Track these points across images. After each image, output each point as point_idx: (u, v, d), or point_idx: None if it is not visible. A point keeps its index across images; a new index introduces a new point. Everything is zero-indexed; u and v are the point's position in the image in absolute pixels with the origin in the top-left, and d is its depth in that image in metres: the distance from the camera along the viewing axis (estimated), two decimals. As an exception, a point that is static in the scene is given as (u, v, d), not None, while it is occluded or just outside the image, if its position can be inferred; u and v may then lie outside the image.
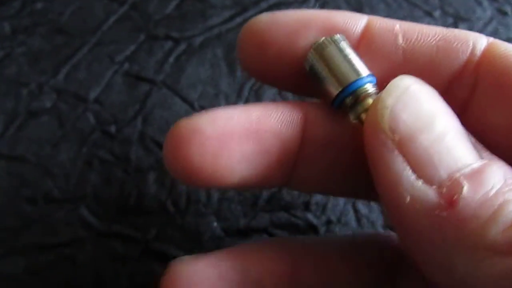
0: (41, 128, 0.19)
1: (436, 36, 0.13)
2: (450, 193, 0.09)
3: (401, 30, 0.13)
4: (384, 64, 0.13)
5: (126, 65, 0.21)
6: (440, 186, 0.10)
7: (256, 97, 0.20)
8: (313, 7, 0.22)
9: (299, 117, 0.13)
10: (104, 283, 0.17)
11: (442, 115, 0.11)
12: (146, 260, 0.17)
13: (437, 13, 0.22)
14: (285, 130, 0.12)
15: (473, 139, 0.11)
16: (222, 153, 0.12)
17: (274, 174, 0.13)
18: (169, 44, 0.21)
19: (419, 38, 0.13)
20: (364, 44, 0.13)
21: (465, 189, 0.09)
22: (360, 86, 0.12)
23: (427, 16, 0.22)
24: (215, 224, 0.18)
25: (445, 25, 0.22)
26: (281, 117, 0.12)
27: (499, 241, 0.09)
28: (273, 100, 0.20)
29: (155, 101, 0.20)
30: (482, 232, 0.09)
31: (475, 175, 0.10)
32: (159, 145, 0.19)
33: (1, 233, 0.18)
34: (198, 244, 0.17)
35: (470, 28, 0.22)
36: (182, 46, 0.21)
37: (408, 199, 0.10)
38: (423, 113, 0.10)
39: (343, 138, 0.13)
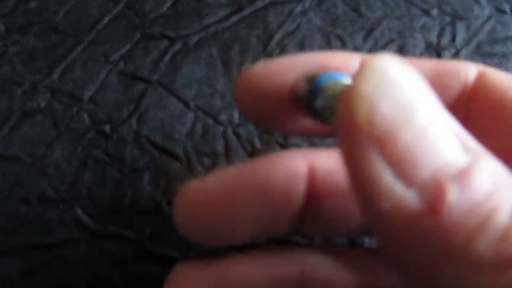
0: (35, 128, 0.19)
1: (430, 73, 0.12)
2: (433, 198, 0.08)
3: None
4: None
5: (121, 64, 0.20)
6: (423, 189, 0.08)
7: (252, 97, 0.20)
8: (310, 6, 0.22)
9: (306, 169, 0.12)
10: (99, 283, 0.17)
11: (425, 104, 0.09)
12: (141, 261, 0.17)
13: (434, 12, 0.22)
14: (293, 186, 0.12)
15: (459, 128, 0.09)
16: (233, 214, 0.12)
17: (282, 227, 0.13)
18: (164, 43, 0.21)
19: None
20: None
21: (451, 193, 0.08)
22: (330, 78, 0.10)
23: (425, 15, 0.22)
24: (210, 224, 0.18)
25: (443, 23, 0.22)
26: (288, 173, 0.12)
27: (487, 256, 0.08)
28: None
29: (150, 100, 0.20)
30: (468, 245, 0.08)
31: (462, 176, 0.08)
32: (154, 145, 0.19)
33: (-5, 234, 0.18)
34: (193, 245, 0.17)
35: (468, 27, 0.21)
36: (178, 45, 0.21)
37: (386, 204, 0.08)
38: (405, 103, 0.09)
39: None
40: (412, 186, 0.08)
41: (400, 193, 0.08)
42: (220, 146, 0.19)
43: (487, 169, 0.09)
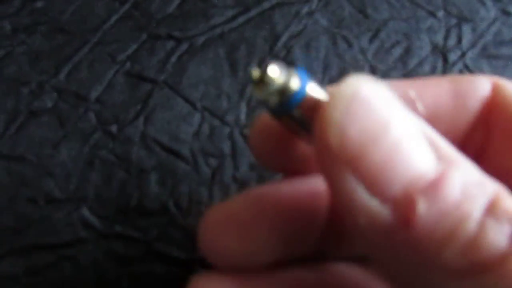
0: (42, 128, 0.19)
1: (449, 94, 0.13)
2: (405, 211, 0.09)
3: (417, 96, 0.13)
4: None
5: (128, 65, 0.20)
6: (395, 204, 0.09)
7: (258, 97, 0.20)
8: (316, 7, 0.22)
9: (326, 189, 0.12)
10: (105, 284, 0.17)
11: (397, 120, 0.09)
12: (148, 261, 0.17)
13: (440, 14, 0.22)
14: (314, 206, 0.13)
15: (434, 135, 0.10)
16: (258, 235, 0.12)
17: (305, 247, 0.13)
18: (171, 43, 0.21)
19: (436, 101, 0.13)
20: None
21: (420, 206, 0.09)
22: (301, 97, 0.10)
23: (431, 17, 0.22)
24: (217, 225, 0.18)
25: (449, 25, 0.22)
26: (309, 194, 0.13)
27: (456, 264, 0.08)
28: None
29: (157, 101, 0.20)
30: (438, 254, 0.08)
31: (431, 188, 0.09)
32: (161, 145, 0.19)
33: (2, 233, 0.18)
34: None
35: (474, 29, 0.22)
36: (184, 46, 0.21)
37: (362, 221, 0.09)
38: (374, 121, 0.09)
39: None
40: (385, 202, 0.09)
41: (374, 209, 0.09)
42: (226, 147, 0.19)
43: (456, 178, 0.09)
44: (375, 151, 0.09)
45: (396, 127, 0.09)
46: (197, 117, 0.19)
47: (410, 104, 0.13)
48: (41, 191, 0.18)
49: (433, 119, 0.13)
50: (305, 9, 0.22)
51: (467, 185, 0.09)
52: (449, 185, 0.09)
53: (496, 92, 0.13)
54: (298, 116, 0.11)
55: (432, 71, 0.21)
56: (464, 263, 0.08)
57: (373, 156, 0.09)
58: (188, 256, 0.17)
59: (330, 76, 0.20)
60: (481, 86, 0.13)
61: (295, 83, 0.10)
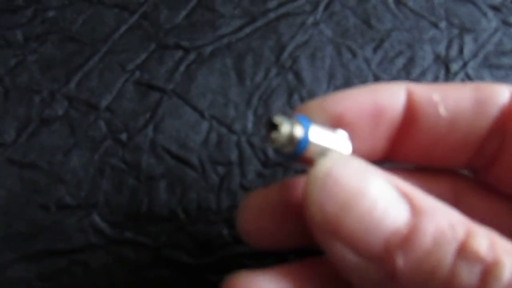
0: (53, 136, 0.20)
1: (471, 100, 0.13)
2: (387, 266, 0.10)
3: (440, 99, 0.13)
4: (430, 139, 0.14)
5: (137, 74, 0.21)
6: (380, 260, 0.10)
7: (265, 107, 0.20)
8: (321, 17, 0.22)
9: None
10: (116, 289, 0.17)
11: (368, 186, 0.11)
12: (157, 266, 0.18)
13: (442, 24, 0.22)
14: None
15: (407, 187, 0.11)
16: (290, 220, 0.14)
17: None
18: (179, 53, 0.21)
19: (458, 106, 0.13)
20: (408, 121, 0.14)
21: (399, 260, 0.10)
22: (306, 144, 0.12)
23: (433, 27, 0.22)
24: (225, 231, 0.18)
25: (451, 36, 0.22)
26: None
27: None
28: (282, 109, 0.20)
29: (165, 109, 0.20)
30: None
31: (406, 242, 0.10)
32: (170, 153, 0.19)
33: (14, 239, 0.18)
34: (209, 251, 0.18)
35: (476, 39, 0.22)
36: (192, 55, 0.21)
37: (356, 276, 0.11)
38: (347, 193, 0.11)
39: None
40: (370, 260, 0.10)
41: (363, 267, 0.10)
42: (234, 155, 0.19)
43: (428, 227, 0.10)
44: (351, 218, 0.10)
45: (368, 192, 0.11)
46: (205, 125, 0.20)
47: (434, 107, 0.13)
48: (53, 197, 0.19)
49: (454, 124, 0.13)
50: (310, 20, 0.22)
51: (438, 232, 0.10)
52: (421, 236, 0.10)
53: None
54: (310, 155, 0.12)
55: (435, 81, 0.21)
56: None
57: (349, 223, 0.10)
58: (197, 262, 0.18)
59: (335, 85, 0.21)
60: (501, 94, 0.13)
61: (299, 132, 0.12)
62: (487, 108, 0.13)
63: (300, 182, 0.14)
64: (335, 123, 0.13)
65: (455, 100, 0.13)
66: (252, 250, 0.18)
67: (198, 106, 0.20)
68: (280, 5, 0.22)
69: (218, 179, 0.19)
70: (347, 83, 0.21)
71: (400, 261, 0.10)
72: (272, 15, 0.22)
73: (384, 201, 0.11)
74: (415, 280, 0.10)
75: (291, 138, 0.12)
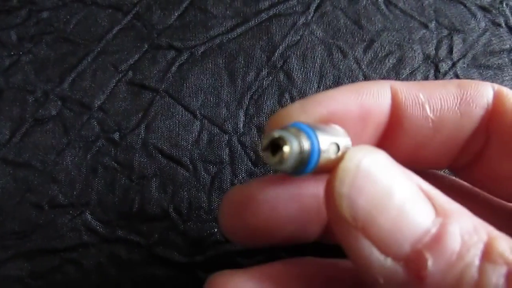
0: (47, 135, 0.20)
1: (457, 100, 0.13)
2: (417, 267, 0.10)
3: (426, 100, 0.13)
4: (415, 139, 0.13)
5: (130, 74, 0.21)
6: (407, 261, 0.10)
7: (256, 106, 0.20)
8: (312, 18, 0.22)
9: None
10: (108, 286, 0.18)
11: (397, 184, 0.10)
12: (149, 265, 0.18)
13: (432, 25, 0.23)
14: (321, 193, 0.13)
15: (430, 189, 0.11)
16: (273, 214, 0.13)
17: (313, 229, 0.14)
18: (171, 53, 0.21)
19: (444, 107, 0.13)
20: (393, 122, 0.13)
21: (429, 262, 0.10)
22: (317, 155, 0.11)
23: (423, 28, 0.22)
24: (216, 230, 0.18)
25: (440, 36, 0.22)
26: (317, 183, 0.14)
27: None
28: (272, 110, 0.20)
29: (158, 109, 0.20)
30: None
31: (436, 243, 0.10)
32: (162, 153, 0.20)
33: (7, 238, 0.18)
34: (200, 250, 0.18)
35: (465, 40, 0.22)
36: (184, 56, 0.21)
37: (381, 280, 0.10)
38: (379, 190, 0.10)
39: None
40: (398, 261, 0.10)
41: (390, 268, 0.10)
42: (225, 154, 0.20)
43: (455, 229, 0.10)
44: (383, 217, 0.10)
45: (398, 191, 0.10)
46: (196, 125, 0.20)
47: (420, 107, 0.13)
48: (46, 196, 0.19)
49: (439, 123, 0.13)
50: (301, 20, 0.22)
51: (464, 234, 0.10)
52: (450, 238, 0.10)
53: (498, 100, 0.13)
54: (319, 168, 0.11)
55: (424, 80, 0.21)
56: None
57: (381, 222, 0.10)
58: (188, 260, 0.18)
59: (325, 85, 0.21)
60: (486, 93, 0.13)
61: (308, 148, 0.10)
62: (472, 108, 0.13)
63: (277, 178, 0.14)
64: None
65: (440, 100, 0.13)
66: (243, 248, 0.18)
67: (190, 106, 0.20)
68: (271, 6, 0.23)
69: (209, 178, 0.19)
70: (338, 83, 0.21)
71: (431, 262, 0.10)
72: (263, 15, 0.22)
73: (412, 199, 0.10)
74: (444, 283, 0.10)
75: (301, 155, 0.10)
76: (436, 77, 0.21)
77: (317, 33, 0.22)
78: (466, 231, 0.10)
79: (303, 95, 0.21)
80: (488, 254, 0.10)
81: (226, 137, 0.20)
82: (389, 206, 0.10)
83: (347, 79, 0.21)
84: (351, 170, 0.10)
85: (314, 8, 0.23)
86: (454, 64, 0.22)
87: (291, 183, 0.14)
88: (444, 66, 0.22)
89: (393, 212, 0.10)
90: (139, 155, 0.19)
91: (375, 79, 0.21)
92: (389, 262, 0.10)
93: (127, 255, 0.18)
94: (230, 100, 0.21)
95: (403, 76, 0.21)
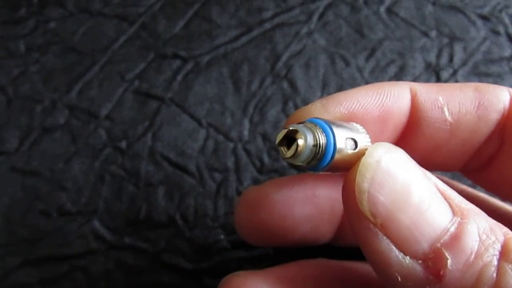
0: (55, 144, 0.20)
1: (475, 104, 0.13)
2: (436, 266, 0.10)
3: (445, 102, 0.13)
4: (432, 141, 0.13)
5: (136, 83, 0.21)
6: (425, 260, 0.10)
7: (260, 115, 0.21)
8: (315, 27, 0.23)
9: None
10: (116, 293, 0.18)
11: (416, 183, 0.10)
12: (156, 272, 0.18)
13: (433, 33, 0.23)
14: (335, 195, 0.14)
15: (447, 190, 0.11)
16: (287, 214, 0.14)
17: (325, 231, 0.15)
18: (177, 62, 0.22)
19: (462, 110, 0.13)
20: (411, 124, 0.13)
21: (449, 261, 0.10)
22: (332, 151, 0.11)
23: (424, 36, 0.23)
24: (222, 237, 0.18)
25: (441, 44, 0.23)
26: (331, 184, 0.14)
27: None
28: (277, 117, 0.21)
29: (164, 117, 0.21)
30: None
31: (455, 242, 0.10)
32: (168, 161, 0.20)
33: (16, 245, 0.18)
34: (206, 256, 0.18)
35: (465, 48, 0.23)
36: (190, 65, 0.22)
37: (399, 278, 0.10)
38: (398, 188, 0.10)
39: None
40: (416, 259, 0.10)
41: (408, 266, 0.10)
42: (230, 162, 0.20)
43: (472, 228, 0.10)
44: (403, 214, 0.10)
45: (417, 189, 0.10)
46: (202, 133, 0.20)
47: (439, 109, 0.13)
48: (54, 204, 0.19)
49: (456, 126, 0.13)
50: (304, 30, 0.23)
51: (481, 234, 0.10)
52: (468, 237, 0.10)
53: None
54: (334, 165, 0.11)
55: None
56: None
57: (401, 219, 0.10)
58: (195, 267, 0.18)
59: (328, 93, 0.21)
60: (502, 97, 0.13)
61: (323, 141, 0.10)
62: (489, 112, 0.13)
63: (292, 179, 0.14)
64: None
65: (458, 103, 0.13)
66: (248, 255, 0.18)
67: (195, 114, 0.21)
68: (275, 15, 0.23)
69: (215, 186, 0.19)
70: (340, 91, 0.21)
71: (450, 261, 0.10)
72: (267, 25, 0.23)
73: (430, 198, 0.10)
74: (463, 282, 0.10)
75: (317, 146, 0.10)
76: (437, 85, 0.22)
77: (320, 42, 0.23)
78: (483, 231, 0.10)
79: (306, 103, 0.21)
80: (506, 254, 0.10)
81: (231, 145, 0.20)
82: (408, 204, 0.10)
83: (349, 87, 0.22)
84: (372, 165, 0.10)
85: (316, 17, 0.23)
86: (455, 72, 0.22)
87: (306, 185, 0.14)
88: (445, 74, 0.22)
89: (412, 209, 0.10)
90: (146, 163, 0.20)
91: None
92: (407, 260, 0.10)
93: (135, 262, 0.18)
94: (235, 108, 0.21)
95: (405, 84, 0.22)
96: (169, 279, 0.18)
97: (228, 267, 0.18)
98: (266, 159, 0.20)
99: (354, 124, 0.12)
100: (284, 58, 0.22)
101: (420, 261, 0.10)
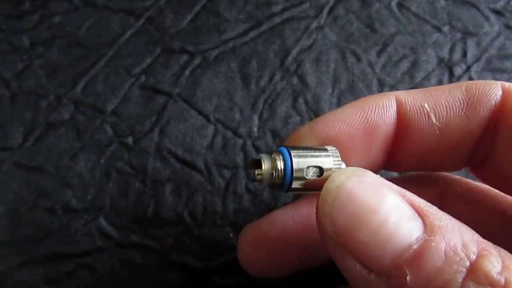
0: (60, 139, 0.20)
1: (462, 105, 0.13)
2: (398, 283, 0.10)
3: (431, 108, 0.14)
4: (423, 146, 0.14)
5: (143, 78, 0.21)
6: (389, 276, 0.10)
7: (270, 110, 0.20)
8: (325, 22, 0.22)
9: None
10: (122, 292, 0.17)
11: (381, 202, 0.11)
12: (163, 270, 0.18)
13: (445, 28, 0.22)
14: None
15: (422, 203, 0.11)
16: (286, 250, 0.15)
17: (321, 257, 0.15)
18: (184, 57, 0.21)
19: (450, 113, 0.13)
20: (400, 132, 0.14)
21: (409, 278, 0.10)
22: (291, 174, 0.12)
23: (436, 31, 0.22)
24: (231, 235, 0.18)
25: (454, 40, 0.22)
26: None
27: None
28: (287, 113, 0.20)
29: (171, 113, 0.20)
30: None
31: (416, 259, 0.10)
32: (176, 157, 0.19)
33: (21, 243, 0.18)
34: (215, 255, 0.18)
35: (479, 43, 0.22)
36: (197, 60, 0.21)
37: None
38: (358, 208, 0.11)
39: None
40: (380, 275, 0.10)
41: (373, 282, 0.10)
42: (239, 159, 0.19)
43: (439, 246, 0.10)
44: (362, 233, 0.11)
45: (381, 208, 0.11)
46: (210, 129, 0.20)
47: (425, 116, 0.14)
48: (59, 201, 0.19)
49: (445, 130, 0.13)
50: (314, 24, 0.22)
51: (448, 251, 0.10)
52: (432, 254, 0.10)
53: (506, 98, 0.13)
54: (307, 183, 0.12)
55: (439, 84, 0.21)
56: None
57: (361, 238, 0.11)
58: (203, 265, 0.18)
59: (339, 89, 0.21)
60: (493, 93, 0.13)
61: (281, 166, 0.12)
62: (478, 111, 0.13)
63: (286, 210, 0.15)
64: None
65: (446, 107, 0.14)
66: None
67: (203, 110, 0.20)
68: (284, 10, 0.23)
69: (224, 183, 0.19)
70: (352, 87, 0.21)
71: (410, 278, 0.10)
72: (276, 19, 0.22)
73: (396, 217, 0.11)
74: None
75: (276, 171, 0.12)
76: (450, 81, 0.21)
77: (330, 36, 0.22)
78: (451, 248, 0.10)
79: (317, 99, 0.21)
80: (473, 272, 0.10)
81: (241, 141, 0.20)
82: (369, 222, 0.11)
83: (361, 83, 0.21)
84: (333, 190, 0.11)
85: (327, 11, 0.23)
86: (468, 68, 0.22)
87: (299, 216, 0.15)
88: (458, 70, 0.21)
89: (372, 229, 0.11)
90: (153, 159, 0.19)
91: (389, 83, 0.21)
92: (372, 277, 0.10)
93: (142, 260, 0.18)
94: (243, 104, 0.21)
95: (418, 79, 0.21)
96: (177, 277, 0.17)
97: (237, 265, 0.18)
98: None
99: (330, 148, 0.13)
100: (294, 53, 0.22)
101: (384, 278, 0.10)
